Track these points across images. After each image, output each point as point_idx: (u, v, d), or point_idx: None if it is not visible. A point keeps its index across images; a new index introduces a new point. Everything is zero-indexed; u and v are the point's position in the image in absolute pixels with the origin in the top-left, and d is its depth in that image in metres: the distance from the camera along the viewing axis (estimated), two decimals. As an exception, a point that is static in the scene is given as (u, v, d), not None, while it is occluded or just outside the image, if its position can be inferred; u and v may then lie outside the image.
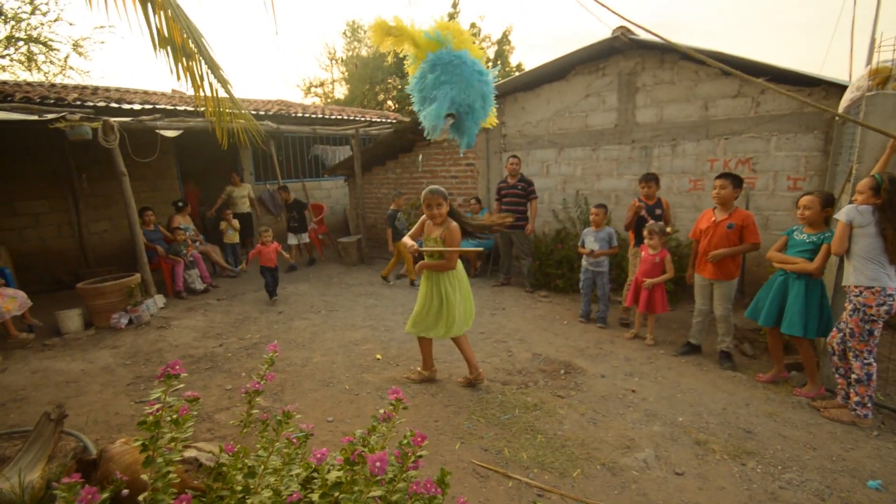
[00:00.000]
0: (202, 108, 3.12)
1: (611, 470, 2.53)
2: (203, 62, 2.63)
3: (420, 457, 1.44)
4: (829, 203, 3.22)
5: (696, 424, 2.95)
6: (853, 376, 2.86)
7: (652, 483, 2.42)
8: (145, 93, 9.07)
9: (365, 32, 22.18)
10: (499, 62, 18.99)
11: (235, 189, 8.44)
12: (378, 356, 4.10)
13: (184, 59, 2.64)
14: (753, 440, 2.77)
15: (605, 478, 2.47)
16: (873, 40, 5.04)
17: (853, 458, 2.59)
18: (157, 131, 6.14)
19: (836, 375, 3.06)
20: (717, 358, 3.83)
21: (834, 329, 3.01)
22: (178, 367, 1.27)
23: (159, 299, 5.73)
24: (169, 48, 2.52)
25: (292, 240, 7.84)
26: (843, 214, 2.85)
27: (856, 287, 2.79)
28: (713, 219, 3.74)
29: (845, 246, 2.85)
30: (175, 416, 1.28)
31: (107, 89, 8.61)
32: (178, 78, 2.69)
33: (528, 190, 5.80)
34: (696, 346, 4.01)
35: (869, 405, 2.85)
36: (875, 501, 2.25)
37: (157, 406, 1.25)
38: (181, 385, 1.30)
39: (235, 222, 7.58)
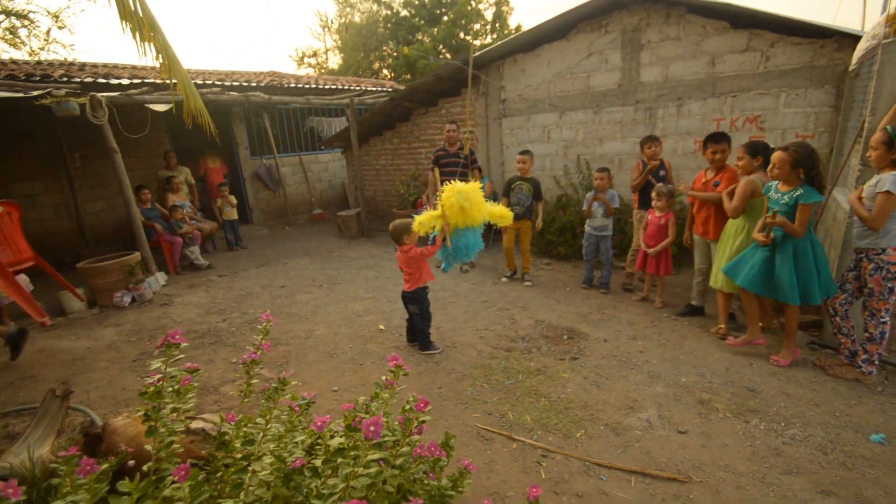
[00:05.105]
0: (174, 81, 3.01)
1: (614, 430, 2.55)
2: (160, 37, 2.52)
3: (423, 422, 1.43)
4: (801, 164, 2.89)
5: (700, 384, 2.95)
6: (865, 335, 2.84)
7: (655, 442, 2.44)
8: (133, 67, 8.80)
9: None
10: (497, 24, 18.37)
11: (170, 173, 7.09)
12: (381, 327, 4.11)
13: (150, 34, 2.52)
14: (757, 398, 2.78)
15: (608, 438, 2.49)
16: (890, -15, 4.77)
17: (856, 413, 2.60)
18: (147, 105, 5.98)
19: (839, 335, 3.03)
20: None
21: (837, 290, 2.97)
22: (177, 336, 1.24)
23: (161, 277, 5.73)
24: (136, 22, 2.40)
25: None
26: (893, 186, 2.54)
27: (880, 248, 2.70)
28: (703, 179, 3.77)
29: (885, 220, 2.61)
30: (176, 387, 1.26)
31: (94, 65, 8.34)
32: (143, 53, 2.59)
33: (469, 158, 5.55)
34: (698, 307, 4.00)
35: (876, 362, 2.84)
36: (878, 454, 2.27)
37: (158, 376, 1.23)
38: (181, 356, 1.28)
39: (232, 198, 7.49)
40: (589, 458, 2.34)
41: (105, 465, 1.09)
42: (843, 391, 2.81)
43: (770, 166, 3.03)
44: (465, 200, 3.23)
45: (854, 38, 4.13)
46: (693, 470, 2.23)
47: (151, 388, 1.21)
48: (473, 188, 3.30)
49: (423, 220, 3.37)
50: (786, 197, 2.96)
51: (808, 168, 2.90)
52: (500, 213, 3.55)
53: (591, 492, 2.13)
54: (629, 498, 2.08)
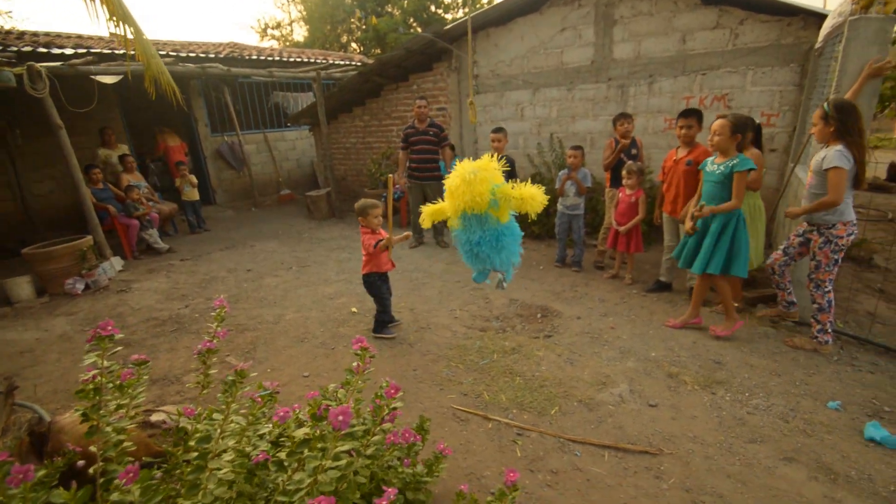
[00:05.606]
0: (133, 52, 2.78)
1: (587, 406, 2.58)
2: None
3: (394, 409, 1.38)
4: (739, 129, 3.03)
5: (669, 358, 3.02)
6: (815, 306, 2.96)
7: (627, 416, 2.49)
8: (79, 37, 8.11)
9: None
10: (469, -1, 17.89)
11: (113, 152, 6.66)
12: (354, 310, 4.02)
13: None
14: (723, 370, 2.86)
15: (582, 413, 2.52)
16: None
17: (815, 382, 2.71)
18: (94, 77, 5.53)
19: (777, 290, 3.29)
20: (688, 295, 3.91)
21: (779, 251, 3.17)
22: (109, 327, 1.12)
23: (117, 262, 5.41)
24: None
25: None
26: (843, 161, 2.62)
27: (830, 223, 2.81)
28: (674, 157, 3.78)
29: (843, 193, 2.65)
30: (118, 382, 1.15)
31: (35, 34, 7.63)
32: (95, 14, 2.36)
33: (440, 136, 5.38)
34: (667, 283, 4.08)
35: (830, 331, 2.97)
36: (835, 420, 2.38)
37: (93, 372, 1.11)
38: (118, 348, 1.16)
39: (193, 178, 7.11)
40: (563, 434, 2.35)
41: (42, 472, 0.98)
42: (802, 361, 2.93)
43: (710, 135, 3.12)
44: (457, 175, 2.30)
45: (819, 17, 4.19)
46: (664, 442, 2.28)
47: (89, 386, 1.09)
48: (477, 164, 2.29)
49: (431, 213, 2.57)
50: (721, 167, 3.05)
51: (743, 135, 3.07)
52: (522, 195, 2.26)
53: (565, 468, 2.14)
54: (603, 472, 2.11)
